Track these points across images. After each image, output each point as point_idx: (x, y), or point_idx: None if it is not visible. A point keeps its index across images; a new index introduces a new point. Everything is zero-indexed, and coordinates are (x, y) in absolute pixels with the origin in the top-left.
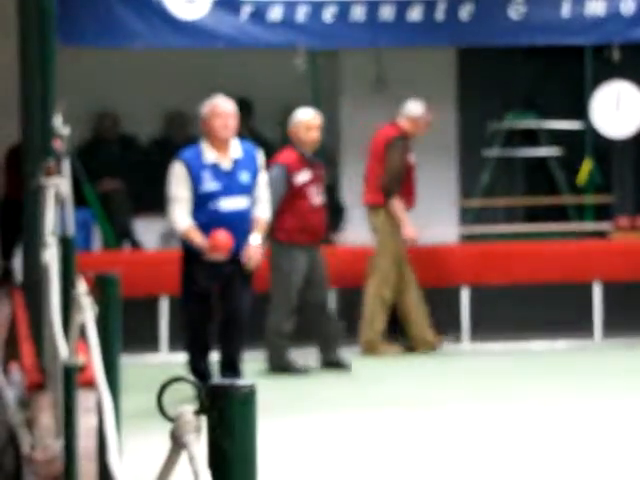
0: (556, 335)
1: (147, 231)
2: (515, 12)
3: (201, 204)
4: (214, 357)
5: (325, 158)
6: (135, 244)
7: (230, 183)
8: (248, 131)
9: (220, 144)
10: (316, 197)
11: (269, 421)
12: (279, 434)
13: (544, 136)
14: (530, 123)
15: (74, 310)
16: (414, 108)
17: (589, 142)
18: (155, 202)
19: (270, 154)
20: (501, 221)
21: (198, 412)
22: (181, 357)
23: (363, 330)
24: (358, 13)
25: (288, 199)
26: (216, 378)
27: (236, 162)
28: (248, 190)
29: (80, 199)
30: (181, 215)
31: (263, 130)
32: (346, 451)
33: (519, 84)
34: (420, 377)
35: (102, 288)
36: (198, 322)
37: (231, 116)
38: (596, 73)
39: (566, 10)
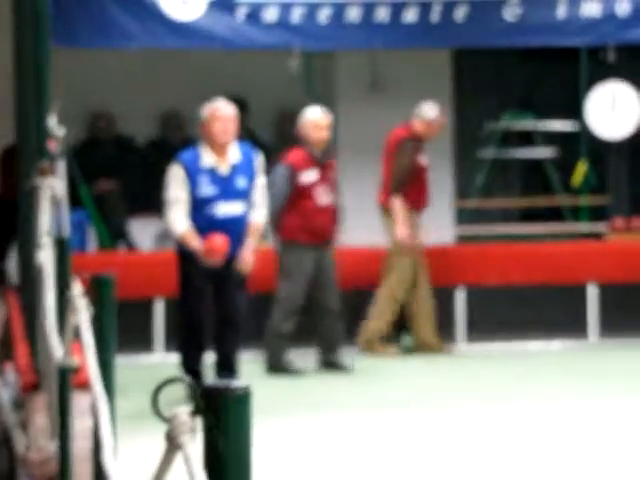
0: (551, 336)
1: (142, 232)
2: (510, 13)
3: (197, 208)
4: (209, 358)
5: None
6: (130, 245)
7: (227, 188)
8: (244, 132)
9: (219, 148)
10: (323, 197)
11: (266, 422)
12: (276, 434)
13: (539, 137)
14: (526, 124)
15: (69, 311)
16: (428, 110)
17: (584, 143)
18: (150, 203)
19: (265, 155)
20: (497, 222)
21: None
22: (176, 358)
23: (365, 328)
24: (353, 14)
25: (293, 198)
26: (211, 379)
27: (234, 167)
28: (244, 195)
29: (75, 200)
30: (179, 218)
31: (258, 131)
32: (344, 452)
33: (514, 85)
34: (418, 378)
35: (97, 289)
36: (194, 322)
37: (231, 120)
38: (591, 74)
39: (561, 11)
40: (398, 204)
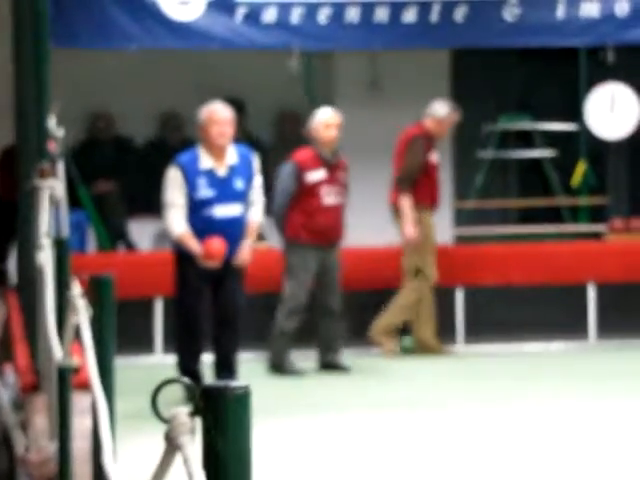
0: (551, 336)
1: (141, 232)
2: (509, 14)
3: (195, 210)
4: (207, 358)
5: None
6: (129, 246)
7: (225, 190)
8: (242, 133)
9: (216, 151)
10: (329, 197)
11: (266, 422)
12: (276, 435)
13: (538, 138)
14: (524, 125)
15: (68, 312)
16: (439, 109)
17: (583, 144)
18: (149, 203)
19: (264, 156)
20: (495, 222)
21: (192, 413)
22: (175, 358)
23: (380, 319)
24: (353, 15)
25: (298, 197)
26: (211, 379)
27: (232, 169)
28: (242, 197)
29: (74, 201)
30: (177, 220)
31: (258, 132)
32: (344, 452)
33: (513, 86)
34: (418, 378)
35: (96, 289)
36: (191, 323)
37: (228, 123)
38: (590, 75)
39: (560, 12)
40: (407, 203)
